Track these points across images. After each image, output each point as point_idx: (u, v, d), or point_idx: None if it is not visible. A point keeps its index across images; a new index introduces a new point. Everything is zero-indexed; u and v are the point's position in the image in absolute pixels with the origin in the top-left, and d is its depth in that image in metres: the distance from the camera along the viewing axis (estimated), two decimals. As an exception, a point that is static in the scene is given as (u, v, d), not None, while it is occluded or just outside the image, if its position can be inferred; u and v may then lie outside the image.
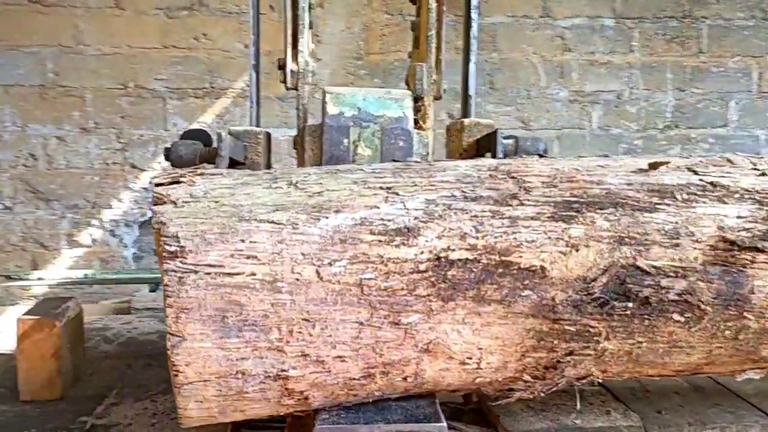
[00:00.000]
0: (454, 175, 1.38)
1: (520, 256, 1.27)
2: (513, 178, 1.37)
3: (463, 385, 1.35)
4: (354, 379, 1.26)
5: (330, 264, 1.21)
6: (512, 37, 3.77)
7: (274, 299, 1.19)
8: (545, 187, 1.36)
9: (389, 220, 1.26)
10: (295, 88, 1.80)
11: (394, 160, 1.57)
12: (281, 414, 1.30)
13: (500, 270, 1.27)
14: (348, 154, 1.73)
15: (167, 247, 1.16)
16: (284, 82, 1.82)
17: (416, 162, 1.49)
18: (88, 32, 3.53)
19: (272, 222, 1.22)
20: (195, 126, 3.48)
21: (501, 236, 1.28)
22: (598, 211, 1.33)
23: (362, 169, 1.39)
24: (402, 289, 1.23)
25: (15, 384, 1.94)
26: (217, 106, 3.58)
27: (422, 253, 1.25)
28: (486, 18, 3.72)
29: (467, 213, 1.29)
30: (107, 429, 1.75)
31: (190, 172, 1.33)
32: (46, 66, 3.53)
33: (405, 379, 1.29)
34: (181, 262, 1.16)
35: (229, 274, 1.17)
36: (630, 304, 1.30)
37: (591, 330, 1.30)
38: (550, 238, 1.29)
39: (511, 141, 1.91)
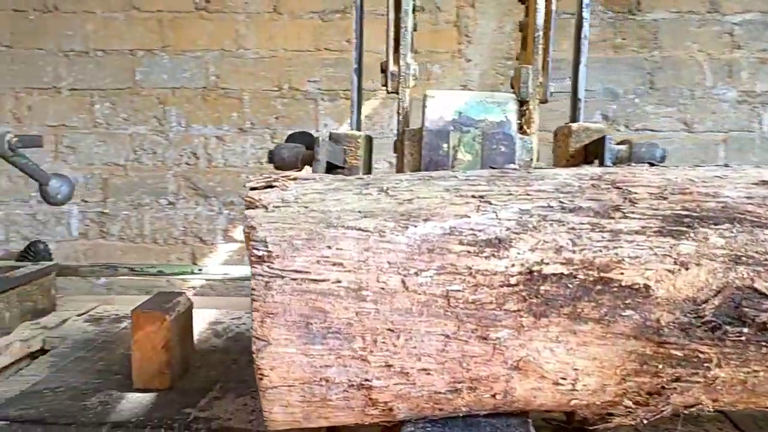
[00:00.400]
0: (553, 184, 1.30)
1: (622, 273, 1.18)
2: (618, 188, 1.28)
3: (557, 406, 1.28)
4: (439, 392, 1.21)
5: (416, 274, 1.17)
6: (676, 34, 3.55)
7: (359, 308, 1.16)
8: (653, 199, 1.25)
9: (480, 231, 1.20)
10: (396, 92, 1.77)
11: (492, 167, 1.51)
12: (366, 423, 1.28)
13: (599, 287, 1.18)
14: (447, 159, 1.68)
15: (255, 252, 1.17)
16: (385, 85, 1.79)
17: (513, 169, 1.42)
18: (248, 36, 3.68)
19: (359, 229, 1.20)
20: (344, 128, 3.55)
21: (601, 251, 1.19)
22: (713, 226, 1.21)
23: (456, 176, 1.34)
24: (491, 302, 1.17)
25: (131, 372, 2.04)
26: (366, 107, 3.61)
27: (513, 265, 1.18)
28: (647, 14, 3.53)
29: (564, 225, 1.21)
30: (208, 422, 1.80)
31: (283, 176, 1.33)
32: (208, 69, 3.71)
33: (494, 396, 1.23)
34: (268, 266, 1.16)
35: (315, 281, 1.16)
36: (745, 330, 1.17)
37: (700, 356, 1.19)
38: (656, 254, 1.19)
39: (624, 147, 1.80)
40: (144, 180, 3.71)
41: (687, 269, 1.18)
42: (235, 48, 3.68)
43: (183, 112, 3.71)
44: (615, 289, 1.17)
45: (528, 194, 1.26)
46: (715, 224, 1.21)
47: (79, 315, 2.74)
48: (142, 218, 3.71)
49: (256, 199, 1.25)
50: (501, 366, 1.20)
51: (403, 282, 1.17)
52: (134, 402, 1.93)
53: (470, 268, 1.17)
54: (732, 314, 1.17)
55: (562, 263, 1.18)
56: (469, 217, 1.22)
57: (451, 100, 1.71)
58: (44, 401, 1.92)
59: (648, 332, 1.18)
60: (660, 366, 1.20)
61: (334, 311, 1.16)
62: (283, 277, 1.16)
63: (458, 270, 1.17)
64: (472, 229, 1.20)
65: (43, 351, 2.43)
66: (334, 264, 1.17)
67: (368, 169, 1.81)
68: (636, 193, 1.26)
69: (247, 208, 1.24)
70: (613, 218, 1.22)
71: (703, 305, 1.17)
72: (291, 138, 1.94)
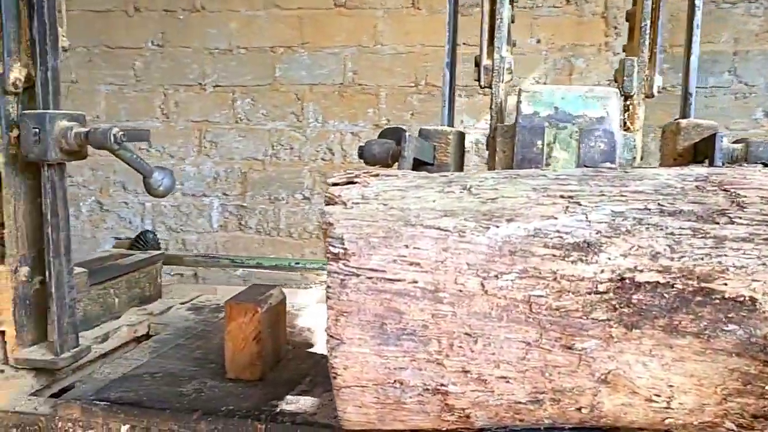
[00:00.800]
0: (653, 184, 1.20)
1: (725, 284, 1.07)
2: (725, 190, 1.17)
3: (650, 425, 1.18)
4: (520, 402, 1.16)
5: (496, 277, 1.12)
6: (839, 24, 3.25)
7: (435, 310, 1.12)
8: (764, 203, 1.13)
9: (567, 233, 1.13)
10: (489, 86, 1.71)
11: (586, 166, 1.42)
12: (444, 429, 1.23)
13: (699, 298, 1.08)
14: (541, 157, 1.60)
15: (331, 249, 1.15)
16: (478, 80, 1.74)
17: (609, 168, 1.33)
18: (385, 32, 3.69)
19: (438, 228, 1.16)
20: (480, 124, 3.47)
21: (702, 259, 1.09)
22: (834, 235, 1.08)
23: (545, 175, 1.27)
24: (577, 310, 1.10)
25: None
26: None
27: (603, 271, 1.10)
28: (802, 3, 3.27)
29: (662, 229, 1.12)
30: (293, 416, 1.81)
31: (365, 172, 1.31)
32: (346, 65, 3.77)
33: (579, 409, 1.16)
34: (344, 264, 1.14)
35: (391, 280, 1.13)
36: None
37: (814, 379, 1.07)
38: (765, 264, 1.07)
39: (739, 146, 1.65)
40: (281, 175, 3.80)
41: (802, 282, 1.06)
42: (372, 44, 3.68)
43: (320, 108, 3.77)
44: (717, 301, 1.07)
45: (623, 195, 1.18)
46: (838, 233, 1.08)
47: (182, 303, 2.84)
48: (279, 212, 3.80)
49: (336, 196, 1.23)
50: (587, 378, 1.12)
51: (482, 285, 1.12)
52: (225, 391, 1.98)
53: (555, 273, 1.11)
54: None
55: (658, 271, 1.09)
56: (555, 218, 1.15)
57: (547, 95, 1.64)
58: (143, 385, 2.00)
59: (753, 349, 1.07)
60: (766, 387, 1.09)
61: (410, 312, 1.13)
62: (358, 276, 1.14)
63: (542, 274, 1.11)
64: (558, 232, 1.13)
65: (147, 336, 2.53)
66: (411, 264, 1.14)
67: (459, 166, 1.76)
68: (745, 196, 1.15)
69: (326, 204, 1.23)
70: (717, 223, 1.12)
71: (821, 323, 1.05)
72: (383, 134, 1.92)
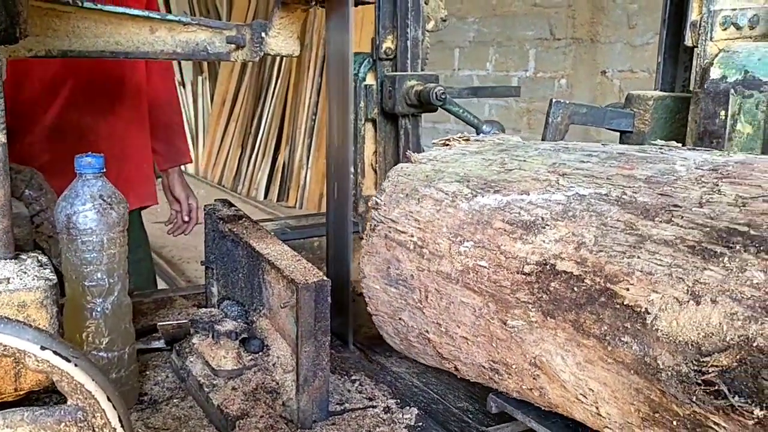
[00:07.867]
0: (656, 170, 1.10)
1: (627, 289, 0.98)
2: (714, 185, 1.00)
3: (596, 429, 1.13)
4: (483, 367, 1.27)
5: (460, 242, 1.25)
6: None
7: (419, 263, 1.33)
8: (730, 204, 0.94)
9: (526, 210, 1.17)
10: (696, 46, 1.54)
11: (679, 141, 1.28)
12: (457, 375, 1.41)
13: (602, 299, 1.01)
14: (723, 130, 1.43)
15: (374, 199, 1.46)
16: (683, 38, 1.57)
17: (665, 147, 1.20)
18: None
19: (442, 191, 1.33)
20: None
21: (616, 257, 1.01)
22: (762, 254, 0.86)
23: (593, 152, 1.25)
24: (507, 287, 1.16)
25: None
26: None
27: (533, 253, 1.13)
28: None
29: (601, 218, 1.06)
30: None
31: (458, 137, 1.51)
32: None
33: (531, 390, 1.20)
34: (377, 212, 1.44)
35: (399, 231, 1.38)
36: (759, 412, 0.83)
37: (701, 421, 0.90)
38: (671, 275, 0.93)
39: None
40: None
41: (698, 304, 0.90)
42: None
43: None
44: (617, 305, 1.00)
45: (608, 178, 1.13)
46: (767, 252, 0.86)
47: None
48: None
49: (410, 155, 1.50)
50: (522, 358, 1.17)
51: (449, 247, 1.27)
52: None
53: (499, 247, 1.19)
54: (744, 384, 0.85)
55: (576, 262, 1.07)
56: (528, 194, 1.20)
57: (745, 55, 1.43)
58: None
59: (648, 372, 0.96)
60: (673, 422, 0.96)
61: (404, 261, 1.36)
62: (383, 224, 1.42)
63: (489, 246, 1.20)
64: (521, 208, 1.19)
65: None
66: (415, 220, 1.36)
67: (665, 135, 1.63)
68: (722, 194, 0.98)
69: (405, 161, 1.52)
70: (653, 220, 1.00)
71: (706, 359, 0.88)
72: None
